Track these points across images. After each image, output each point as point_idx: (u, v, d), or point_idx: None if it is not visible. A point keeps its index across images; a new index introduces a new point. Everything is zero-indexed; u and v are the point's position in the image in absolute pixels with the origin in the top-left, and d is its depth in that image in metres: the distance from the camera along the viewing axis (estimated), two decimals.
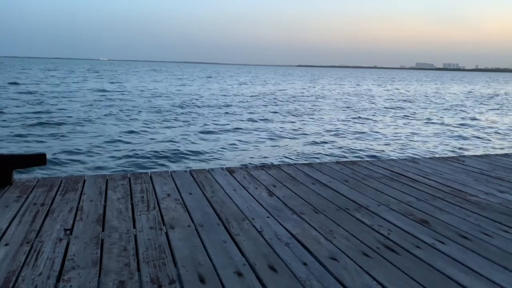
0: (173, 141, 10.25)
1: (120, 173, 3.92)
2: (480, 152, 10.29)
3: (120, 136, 10.64)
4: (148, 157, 8.50)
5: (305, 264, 2.07)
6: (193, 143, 10.24)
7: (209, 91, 29.42)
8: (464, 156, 5.06)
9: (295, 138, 11.42)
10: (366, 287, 1.86)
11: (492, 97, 32.98)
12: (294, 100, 23.89)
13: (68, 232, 2.37)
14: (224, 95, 25.72)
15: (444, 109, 21.43)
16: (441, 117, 17.64)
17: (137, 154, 8.74)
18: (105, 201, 2.95)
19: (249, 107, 19.33)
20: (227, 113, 16.62)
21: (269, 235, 2.42)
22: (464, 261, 2.15)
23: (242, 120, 14.60)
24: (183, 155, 8.85)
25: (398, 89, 41.33)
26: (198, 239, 2.32)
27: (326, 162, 4.48)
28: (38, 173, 6.45)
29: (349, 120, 15.58)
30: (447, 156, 6.14)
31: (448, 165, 4.46)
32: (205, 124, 13.28)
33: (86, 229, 2.43)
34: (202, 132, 11.73)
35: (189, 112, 16.65)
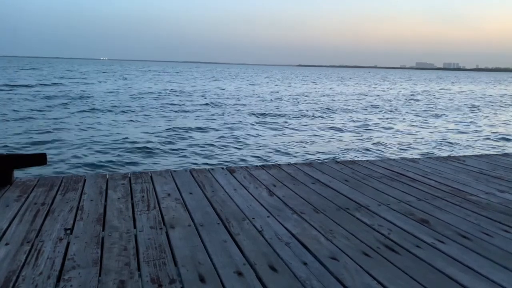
0: None
1: (121, 172, 3.92)
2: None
3: None
4: None
5: (305, 263, 2.07)
6: None
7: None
8: (464, 156, 5.06)
9: None
10: (366, 287, 1.87)
11: None
12: None
13: (68, 231, 2.37)
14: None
15: None
16: None
17: None
18: (106, 200, 2.95)
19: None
20: None
21: (269, 234, 2.42)
22: (464, 260, 2.15)
23: None
24: None
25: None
26: (198, 239, 2.32)
27: (326, 162, 4.48)
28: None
29: None
30: (447, 155, 6.14)
31: (448, 165, 4.46)
32: None
33: (87, 228, 2.43)
34: None
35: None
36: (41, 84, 29.03)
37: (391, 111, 19.28)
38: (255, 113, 16.65)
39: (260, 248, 2.23)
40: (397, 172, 4.04)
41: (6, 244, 2.18)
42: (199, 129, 12.21)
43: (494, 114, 19.79)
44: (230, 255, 2.13)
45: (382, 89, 38.68)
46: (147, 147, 9.31)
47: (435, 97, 30.01)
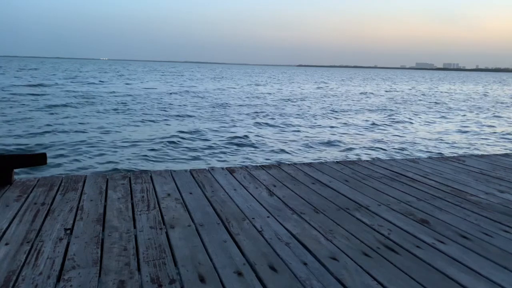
0: None
1: (121, 172, 3.91)
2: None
3: None
4: None
5: (305, 263, 2.07)
6: None
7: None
8: (464, 156, 5.06)
9: None
10: (366, 287, 1.86)
11: None
12: None
13: (68, 231, 2.38)
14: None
15: None
16: None
17: None
18: (106, 200, 2.95)
19: None
20: None
21: (269, 234, 2.42)
22: (464, 261, 2.15)
23: None
24: None
25: None
26: (198, 239, 2.32)
27: (327, 162, 4.48)
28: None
29: None
30: (447, 156, 6.14)
31: (448, 165, 4.45)
32: None
33: (87, 228, 2.43)
34: None
35: None
36: (43, 84, 29.13)
37: (400, 111, 19.42)
38: (265, 113, 16.66)
39: (260, 248, 2.23)
40: (397, 172, 4.04)
41: (6, 244, 2.18)
42: (209, 129, 12.11)
43: (498, 114, 19.84)
44: (230, 255, 2.13)
45: (386, 89, 38.95)
46: (157, 148, 9.30)
47: (442, 97, 30.20)
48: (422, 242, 2.38)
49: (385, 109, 20.08)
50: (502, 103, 27.19)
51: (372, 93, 32.50)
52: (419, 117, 17.33)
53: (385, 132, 13.05)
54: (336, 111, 18.43)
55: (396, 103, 24.31)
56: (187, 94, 25.66)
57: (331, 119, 15.89)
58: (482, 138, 12.67)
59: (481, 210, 2.98)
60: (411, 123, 15.42)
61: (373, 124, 14.69)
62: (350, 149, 10.16)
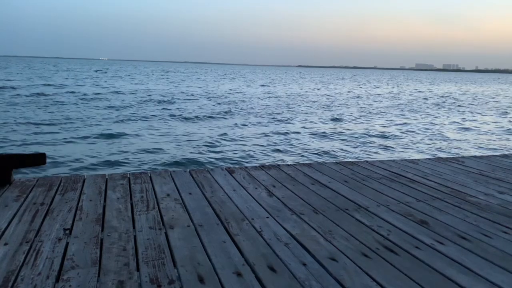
0: None
1: (120, 172, 3.91)
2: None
3: None
4: None
5: (304, 264, 2.07)
6: None
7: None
8: (463, 157, 5.07)
9: None
10: None
11: None
12: None
13: (67, 231, 2.37)
14: None
15: None
16: None
17: None
18: (105, 200, 2.95)
19: None
20: None
21: (269, 235, 2.42)
22: (463, 261, 2.15)
23: None
24: None
25: None
26: (198, 239, 2.32)
27: (326, 163, 4.48)
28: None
29: None
30: (446, 157, 6.14)
31: (448, 166, 4.46)
32: None
33: (86, 228, 2.43)
34: None
35: None
36: (49, 84, 29.10)
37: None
38: (285, 115, 16.59)
39: (259, 248, 2.23)
40: (396, 173, 4.04)
41: (5, 244, 2.18)
42: (230, 133, 11.91)
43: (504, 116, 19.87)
44: (229, 256, 2.13)
45: (397, 91, 39.31)
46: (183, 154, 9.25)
47: (455, 98, 30.51)
48: (421, 243, 2.39)
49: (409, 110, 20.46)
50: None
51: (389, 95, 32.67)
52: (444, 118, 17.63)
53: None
54: (348, 114, 18.42)
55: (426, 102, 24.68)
56: (198, 95, 25.30)
57: (352, 122, 15.81)
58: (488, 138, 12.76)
59: (480, 211, 2.98)
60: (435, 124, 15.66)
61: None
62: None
